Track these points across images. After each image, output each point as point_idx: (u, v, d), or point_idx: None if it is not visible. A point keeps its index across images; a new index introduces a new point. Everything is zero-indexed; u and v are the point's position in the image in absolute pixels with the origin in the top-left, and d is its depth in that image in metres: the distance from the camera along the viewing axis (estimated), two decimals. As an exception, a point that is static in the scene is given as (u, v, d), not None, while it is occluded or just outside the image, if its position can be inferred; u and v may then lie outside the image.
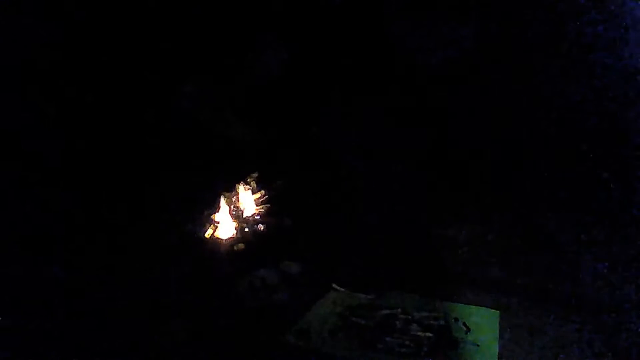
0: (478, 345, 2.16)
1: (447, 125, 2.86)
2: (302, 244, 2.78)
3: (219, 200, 2.78)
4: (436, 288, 2.50)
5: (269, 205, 2.97)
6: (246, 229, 2.79)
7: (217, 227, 2.75)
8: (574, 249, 2.76)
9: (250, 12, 2.78)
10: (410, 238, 2.67)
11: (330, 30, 2.70)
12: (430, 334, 2.18)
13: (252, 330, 2.23)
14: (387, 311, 2.33)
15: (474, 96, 2.85)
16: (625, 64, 2.85)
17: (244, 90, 2.96)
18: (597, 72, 2.87)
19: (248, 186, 2.97)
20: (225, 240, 2.72)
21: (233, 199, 2.90)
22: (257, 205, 2.96)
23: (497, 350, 2.13)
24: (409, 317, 2.28)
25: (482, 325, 2.27)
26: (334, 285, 2.54)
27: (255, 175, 3.03)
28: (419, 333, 2.19)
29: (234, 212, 2.84)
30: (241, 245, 2.71)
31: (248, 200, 2.93)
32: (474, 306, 2.40)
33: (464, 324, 2.27)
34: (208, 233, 2.72)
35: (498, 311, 2.35)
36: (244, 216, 2.87)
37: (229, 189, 2.92)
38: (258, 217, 2.89)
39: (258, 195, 3.00)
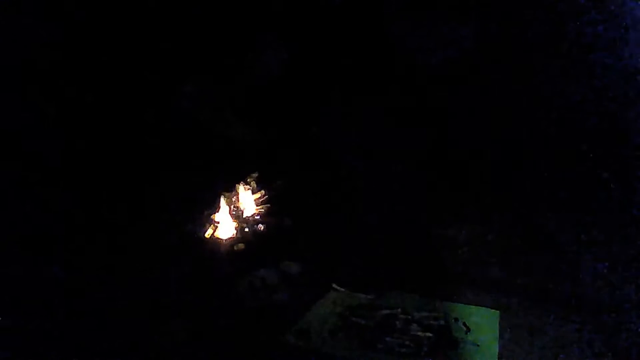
0: (478, 345, 2.16)
1: (447, 125, 2.85)
2: (302, 244, 2.78)
3: (219, 200, 2.78)
4: (436, 288, 2.50)
5: (269, 205, 2.97)
6: (246, 229, 2.80)
7: (217, 227, 2.75)
8: (574, 249, 2.76)
9: (250, 12, 2.78)
10: (410, 238, 2.67)
11: (330, 30, 2.70)
12: (430, 334, 2.18)
13: (252, 330, 2.23)
14: (387, 311, 2.33)
15: (474, 96, 2.85)
16: (625, 64, 2.85)
17: (244, 90, 2.96)
18: (597, 72, 2.87)
19: (248, 186, 2.97)
20: (225, 240, 2.72)
21: (233, 199, 2.90)
22: (257, 205, 2.96)
23: (497, 350, 2.13)
24: (409, 317, 2.28)
25: (482, 325, 2.27)
26: (334, 285, 2.55)
27: (255, 175, 3.03)
28: (419, 333, 2.19)
29: (234, 212, 2.84)
30: (241, 245, 2.71)
31: (248, 200, 2.93)
32: (474, 306, 2.40)
33: (464, 324, 2.27)
34: (208, 233, 2.72)
35: (498, 311, 2.35)
36: (244, 216, 2.87)
37: (229, 189, 2.92)
38: (258, 217, 2.89)
39: (258, 195, 3.00)
